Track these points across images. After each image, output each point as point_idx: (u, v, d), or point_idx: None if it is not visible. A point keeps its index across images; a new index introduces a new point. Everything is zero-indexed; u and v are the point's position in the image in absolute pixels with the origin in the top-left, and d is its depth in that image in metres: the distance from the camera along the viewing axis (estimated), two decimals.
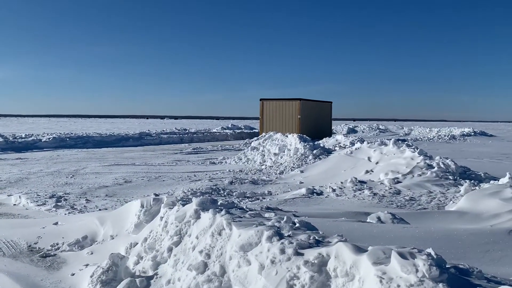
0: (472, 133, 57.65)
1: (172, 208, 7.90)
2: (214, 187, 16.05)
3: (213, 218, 6.75)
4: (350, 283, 4.43)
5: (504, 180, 12.93)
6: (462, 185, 13.81)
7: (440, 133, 58.19)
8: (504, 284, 3.98)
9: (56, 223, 10.14)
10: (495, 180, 14.62)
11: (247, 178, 18.16)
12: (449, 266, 4.29)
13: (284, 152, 26.04)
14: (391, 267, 4.07)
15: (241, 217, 6.79)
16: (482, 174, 16.26)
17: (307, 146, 26.09)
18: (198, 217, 7.15)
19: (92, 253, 8.18)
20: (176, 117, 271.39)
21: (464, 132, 57.79)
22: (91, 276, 6.69)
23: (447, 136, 52.97)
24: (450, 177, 15.07)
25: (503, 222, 8.82)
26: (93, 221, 9.49)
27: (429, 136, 54.64)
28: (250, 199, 13.84)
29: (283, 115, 47.99)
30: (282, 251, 5.12)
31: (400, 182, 14.61)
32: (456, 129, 63.45)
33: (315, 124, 49.93)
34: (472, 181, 14.46)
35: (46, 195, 14.80)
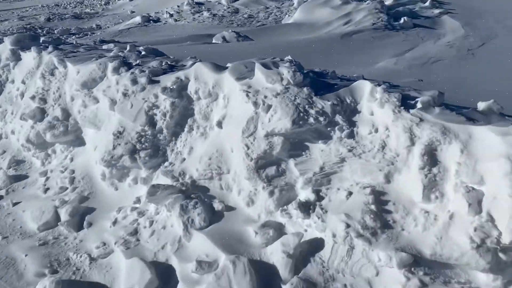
0: None
1: None
2: (28, 26, 13.53)
3: (38, 57, 5.60)
4: (214, 103, 4.23)
5: None
6: None
7: None
8: (354, 80, 4.19)
9: None
10: None
11: (67, 13, 15.73)
12: (306, 70, 4.33)
13: None
14: (256, 80, 3.92)
15: (75, 52, 5.78)
16: None
17: None
18: (17, 58, 5.88)
19: None
20: None
21: None
22: None
23: None
24: None
25: (335, 28, 9.44)
26: None
27: None
28: (77, 36, 12.09)
29: None
30: (134, 82, 4.55)
31: (237, 0, 14.28)
32: None
33: None
34: None
35: None
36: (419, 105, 3.46)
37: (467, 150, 3.08)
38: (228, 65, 4.40)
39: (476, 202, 2.93)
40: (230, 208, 3.80)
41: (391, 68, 6.36)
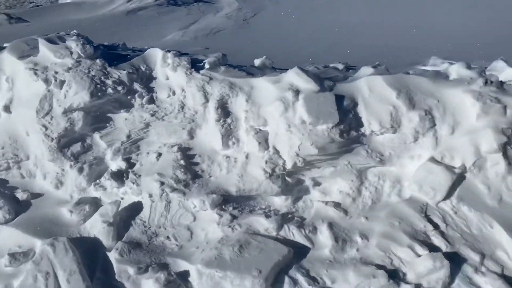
0: None
1: None
2: None
3: None
4: None
5: None
6: None
7: None
8: (145, 51, 4.33)
9: None
10: None
11: None
12: (95, 44, 4.27)
13: None
14: (42, 56, 3.71)
15: None
16: None
17: None
18: None
19: None
20: None
21: None
22: None
23: None
24: None
25: (118, 6, 9.26)
26: None
27: None
28: None
29: None
30: None
31: None
32: None
33: None
34: None
35: None
36: (207, 66, 3.86)
37: (251, 99, 3.63)
38: (6, 45, 4.02)
39: (264, 141, 3.51)
40: (37, 195, 3.61)
41: (179, 40, 6.72)
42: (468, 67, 3.77)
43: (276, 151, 3.49)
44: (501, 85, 3.59)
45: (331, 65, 4.64)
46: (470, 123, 3.43)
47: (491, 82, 3.53)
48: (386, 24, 8.13)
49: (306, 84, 3.49)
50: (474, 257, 3.05)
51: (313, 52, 5.89)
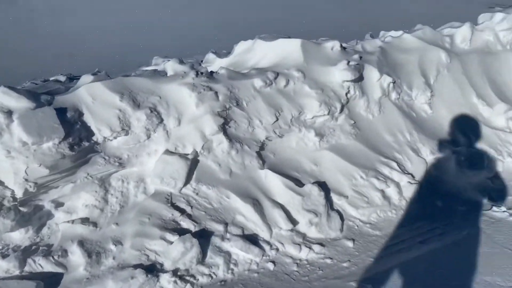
0: None
1: None
2: None
3: None
4: None
5: None
6: None
7: None
8: None
9: None
10: None
11: None
12: None
13: None
14: None
15: None
16: None
17: None
18: None
19: None
20: None
21: None
22: None
23: None
24: None
25: None
26: None
27: None
28: None
29: None
30: None
31: None
32: None
33: None
34: None
35: None
36: None
37: None
38: None
39: None
40: None
41: None
42: (181, 62, 4.13)
43: (0, 183, 3.10)
44: (211, 74, 4.07)
45: (52, 78, 4.36)
46: (191, 112, 3.78)
47: (202, 73, 3.96)
48: (110, 29, 8.13)
49: (17, 102, 3.19)
50: (219, 227, 3.43)
51: (34, 67, 5.40)
